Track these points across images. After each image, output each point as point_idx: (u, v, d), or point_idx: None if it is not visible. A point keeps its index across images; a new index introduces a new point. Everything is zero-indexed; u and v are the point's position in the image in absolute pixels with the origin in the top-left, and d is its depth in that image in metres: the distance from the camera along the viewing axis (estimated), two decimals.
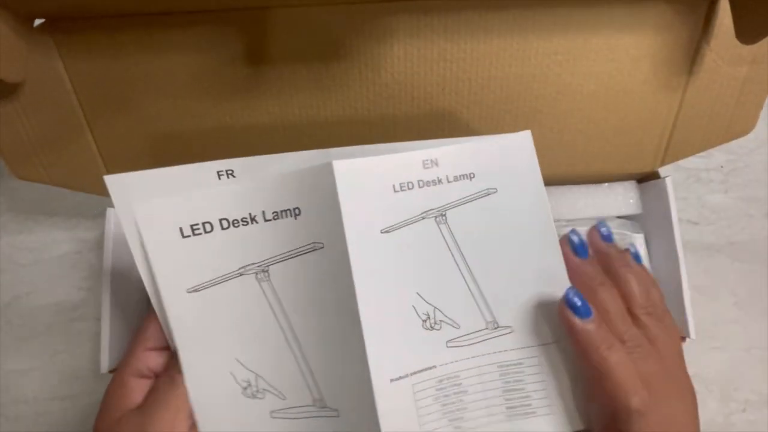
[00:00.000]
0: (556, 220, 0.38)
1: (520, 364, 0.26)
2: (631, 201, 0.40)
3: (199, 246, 0.25)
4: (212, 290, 0.26)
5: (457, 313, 0.26)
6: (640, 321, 0.28)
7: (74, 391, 0.42)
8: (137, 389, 0.27)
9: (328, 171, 0.24)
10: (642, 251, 0.39)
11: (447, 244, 0.26)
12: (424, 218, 0.26)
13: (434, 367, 0.26)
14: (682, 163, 0.47)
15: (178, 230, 0.25)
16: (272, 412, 0.26)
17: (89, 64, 0.32)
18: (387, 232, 0.26)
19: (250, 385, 0.26)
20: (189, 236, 0.25)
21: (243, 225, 0.25)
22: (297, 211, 0.25)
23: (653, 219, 0.39)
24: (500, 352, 0.26)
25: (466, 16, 0.31)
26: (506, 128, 0.35)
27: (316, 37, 0.32)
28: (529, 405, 0.26)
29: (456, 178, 0.26)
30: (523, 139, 0.27)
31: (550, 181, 0.31)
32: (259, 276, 0.26)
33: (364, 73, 0.33)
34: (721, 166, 0.48)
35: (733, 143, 0.37)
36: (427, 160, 0.26)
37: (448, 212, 0.26)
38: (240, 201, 0.25)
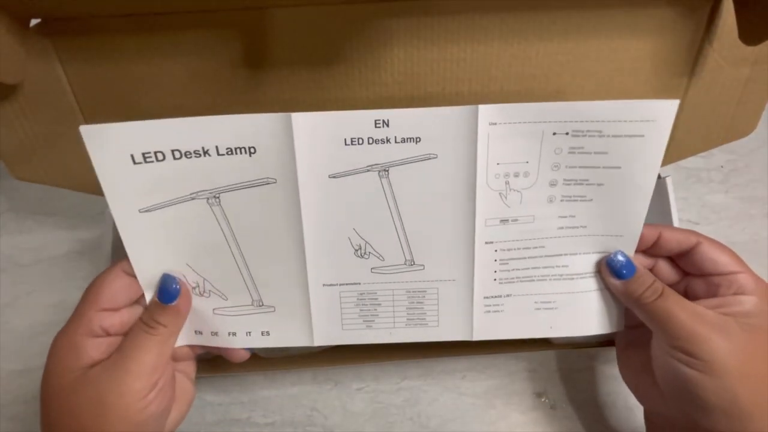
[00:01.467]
0: None
1: (424, 291, 0.34)
2: None
3: (150, 172, 0.29)
4: (164, 211, 0.30)
5: (384, 249, 0.33)
6: None
7: None
8: (92, 347, 0.28)
9: (286, 121, 0.28)
10: None
11: (386, 195, 0.31)
12: (369, 171, 0.30)
13: (359, 283, 0.33)
14: (682, 163, 0.47)
15: (130, 156, 0.28)
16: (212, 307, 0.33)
17: (88, 66, 0.32)
18: (334, 177, 0.30)
19: (198, 285, 0.32)
20: (140, 163, 0.28)
21: (195, 157, 0.29)
22: (252, 149, 0.29)
23: (654, 218, 0.39)
24: (411, 282, 0.33)
25: (467, 17, 0.31)
26: None
27: (315, 38, 0.32)
28: (423, 319, 0.34)
29: (403, 140, 0.29)
30: (468, 113, 0.29)
31: None
32: (210, 201, 0.30)
33: (364, 73, 0.33)
34: (722, 166, 0.48)
35: (734, 143, 0.37)
36: (378, 119, 0.29)
37: (391, 168, 0.30)
38: (194, 135, 0.28)
